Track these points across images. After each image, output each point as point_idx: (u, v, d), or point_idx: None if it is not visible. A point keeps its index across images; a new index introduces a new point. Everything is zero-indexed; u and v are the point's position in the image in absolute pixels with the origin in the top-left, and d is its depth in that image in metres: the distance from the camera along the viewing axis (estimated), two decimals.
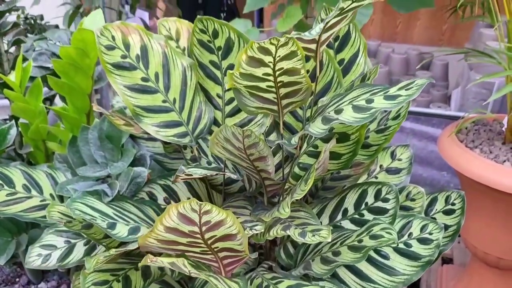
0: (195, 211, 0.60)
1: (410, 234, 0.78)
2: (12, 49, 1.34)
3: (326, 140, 0.76)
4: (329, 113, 0.68)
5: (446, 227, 0.83)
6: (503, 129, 1.35)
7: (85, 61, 0.96)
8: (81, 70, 0.96)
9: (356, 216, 0.80)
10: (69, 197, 0.83)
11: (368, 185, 0.80)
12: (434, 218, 0.85)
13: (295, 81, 0.67)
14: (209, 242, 0.65)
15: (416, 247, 0.76)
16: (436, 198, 0.87)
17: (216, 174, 0.77)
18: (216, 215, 0.61)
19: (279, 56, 0.62)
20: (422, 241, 0.77)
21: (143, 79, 0.75)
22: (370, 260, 0.77)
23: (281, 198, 0.82)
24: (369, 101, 0.65)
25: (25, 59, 1.09)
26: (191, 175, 0.70)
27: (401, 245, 0.77)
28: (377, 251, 0.78)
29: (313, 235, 0.67)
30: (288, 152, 0.83)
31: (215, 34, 0.78)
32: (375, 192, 0.79)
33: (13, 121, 1.02)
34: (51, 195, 0.91)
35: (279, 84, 0.67)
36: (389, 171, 0.91)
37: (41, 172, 0.93)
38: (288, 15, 1.29)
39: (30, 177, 0.91)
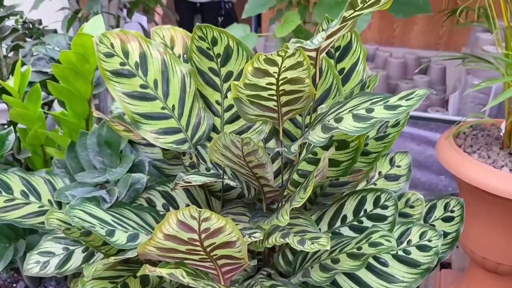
0: (195, 218, 0.60)
1: (409, 241, 0.78)
2: (10, 54, 1.34)
3: (325, 147, 0.76)
4: (329, 121, 0.68)
5: (445, 234, 0.83)
6: (501, 134, 1.35)
7: (85, 66, 0.96)
8: (81, 75, 0.96)
9: (355, 223, 0.80)
10: (68, 203, 0.83)
11: (367, 192, 0.80)
12: (433, 225, 0.85)
13: (297, 90, 0.67)
14: (208, 249, 0.65)
15: (415, 254, 0.76)
16: (435, 205, 0.87)
17: (215, 181, 0.77)
18: (216, 222, 0.61)
19: (285, 66, 0.62)
20: (421, 248, 0.77)
21: (142, 86, 0.75)
22: (369, 267, 0.77)
23: (280, 205, 0.82)
24: (369, 110, 0.65)
25: (23, 64, 1.09)
26: (190, 182, 0.70)
27: (400, 252, 0.77)
28: (376, 258, 0.78)
29: (312, 243, 0.67)
30: (287, 158, 0.83)
31: (214, 42, 0.78)
32: (374, 199, 0.79)
33: (12, 127, 1.02)
34: (49, 201, 0.91)
35: (280, 92, 0.68)
36: (388, 177, 0.91)
37: (39, 178, 0.93)
38: (287, 20, 1.29)
39: (28, 183, 0.91)
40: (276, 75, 0.64)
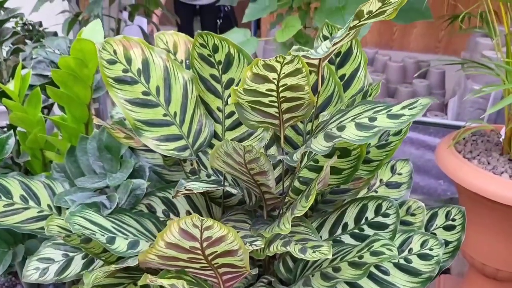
0: (197, 226, 0.59)
1: (410, 249, 0.78)
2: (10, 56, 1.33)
3: (327, 154, 0.76)
4: (331, 130, 0.68)
5: (447, 243, 0.83)
6: (501, 139, 1.35)
7: (84, 71, 0.95)
8: (80, 80, 0.95)
9: (356, 230, 0.80)
10: (67, 208, 0.82)
11: (369, 200, 0.80)
12: (434, 234, 0.85)
13: (298, 97, 0.67)
14: (209, 258, 0.65)
15: (417, 263, 0.76)
16: (436, 213, 0.87)
17: (216, 189, 0.76)
18: (218, 231, 0.60)
19: (284, 73, 0.62)
20: (423, 257, 0.77)
21: (144, 93, 0.75)
22: (370, 276, 0.77)
23: (281, 212, 0.82)
24: (372, 119, 0.65)
25: (23, 67, 1.08)
26: (192, 190, 0.70)
27: (401, 261, 0.77)
28: (377, 267, 0.78)
29: (314, 252, 0.67)
30: (288, 165, 0.83)
31: (215, 49, 0.78)
32: (375, 207, 0.79)
33: (12, 131, 1.02)
34: (48, 206, 0.90)
35: (281, 99, 0.67)
36: (389, 185, 0.91)
37: (39, 182, 0.92)
38: (288, 25, 1.29)
39: (27, 188, 0.90)
40: (275, 81, 0.64)
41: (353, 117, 0.68)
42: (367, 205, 0.80)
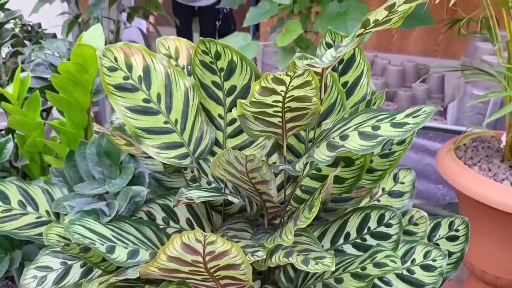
0: (200, 241, 0.59)
1: (413, 260, 0.77)
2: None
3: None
4: (334, 139, 0.67)
5: (450, 254, 0.82)
6: (501, 146, 1.35)
7: (84, 77, 0.94)
8: (80, 85, 0.94)
9: (359, 240, 0.79)
10: (66, 214, 0.81)
11: (371, 209, 0.79)
12: (437, 244, 0.84)
13: (303, 107, 0.66)
14: (211, 270, 0.64)
15: (420, 274, 0.76)
16: (440, 223, 0.86)
17: (218, 197, 0.75)
18: (221, 246, 0.60)
19: (293, 85, 0.61)
20: (426, 268, 0.76)
21: (145, 100, 0.74)
22: (372, 287, 0.76)
23: (282, 220, 0.81)
24: (376, 128, 0.64)
25: (22, 70, 1.07)
26: (192, 199, 0.69)
27: (404, 272, 0.77)
28: (379, 277, 0.77)
29: (316, 263, 0.66)
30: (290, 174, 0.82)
31: (218, 56, 0.77)
32: (378, 217, 0.78)
33: (10, 135, 1.00)
34: (47, 211, 0.89)
35: (286, 109, 0.67)
36: (392, 194, 0.90)
37: (37, 187, 0.91)
38: (288, 29, 1.28)
39: (25, 193, 0.89)
40: (283, 93, 0.63)
41: (356, 125, 0.67)
42: (369, 214, 0.79)
